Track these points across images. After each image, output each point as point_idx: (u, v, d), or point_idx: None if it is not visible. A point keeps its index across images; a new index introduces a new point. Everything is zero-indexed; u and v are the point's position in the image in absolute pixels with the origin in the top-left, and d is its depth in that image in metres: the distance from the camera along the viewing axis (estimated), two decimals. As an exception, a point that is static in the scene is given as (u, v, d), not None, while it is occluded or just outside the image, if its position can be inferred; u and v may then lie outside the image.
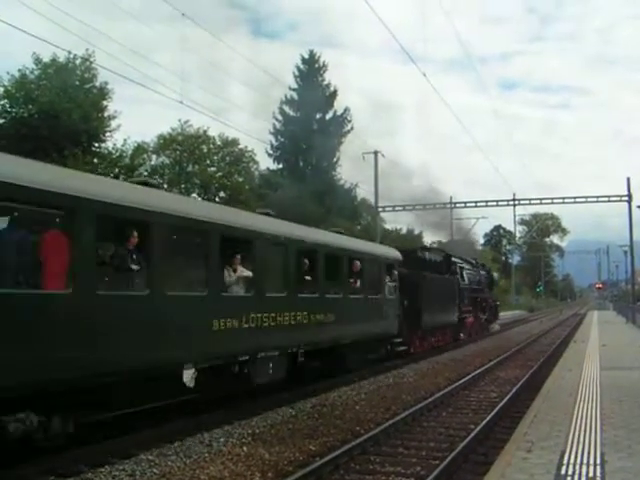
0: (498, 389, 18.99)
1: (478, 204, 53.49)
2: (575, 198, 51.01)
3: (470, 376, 20.82)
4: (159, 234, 11.44)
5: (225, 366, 13.48)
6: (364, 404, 16.08)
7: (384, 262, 23.24)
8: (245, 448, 11.31)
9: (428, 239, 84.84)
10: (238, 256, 14.24)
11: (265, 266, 14.96)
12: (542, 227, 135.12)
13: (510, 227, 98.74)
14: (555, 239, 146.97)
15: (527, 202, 55.29)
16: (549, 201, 52.95)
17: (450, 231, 67.51)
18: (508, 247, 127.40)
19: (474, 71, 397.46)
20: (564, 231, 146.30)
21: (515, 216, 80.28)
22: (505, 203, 54.04)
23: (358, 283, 20.42)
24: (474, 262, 42.85)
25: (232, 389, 14.41)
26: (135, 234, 11.14)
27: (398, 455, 11.35)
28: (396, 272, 24.09)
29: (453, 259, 35.03)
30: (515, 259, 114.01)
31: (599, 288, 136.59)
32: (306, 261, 17.49)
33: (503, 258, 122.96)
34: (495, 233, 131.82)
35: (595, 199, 50.23)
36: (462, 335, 35.38)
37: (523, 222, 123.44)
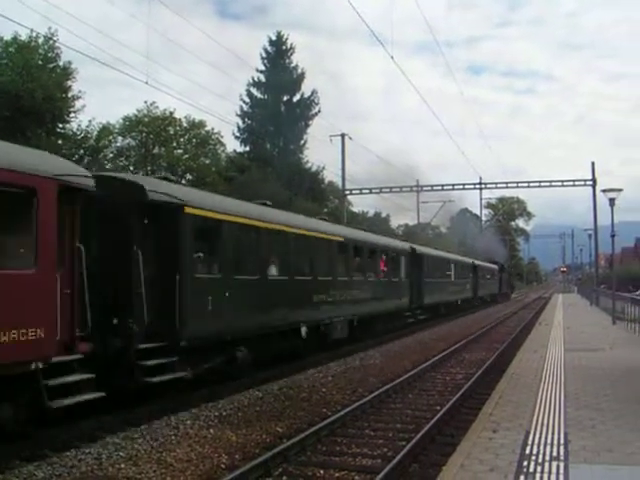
0: (464, 371, 19.19)
1: (445, 187, 53.87)
2: (540, 182, 51.54)
3: (436, 358, 20.99)
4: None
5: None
6: (331, 386, 16.16)
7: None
8: (212, 430, 11.32)
9: (395, 222, 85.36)
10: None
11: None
12: (508, 211, 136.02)
13: (476, 211, 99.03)
14: (521, 223, 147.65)
15: (493, 186, 55.86)
16: (515, 185, 53.48)
17: (417, 214, 67.65)
18: (474, 231, 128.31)
19: (442, 55, 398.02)
20: (529, 215, 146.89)
21: (481, 200, 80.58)
22: (472, 187, 54.56)
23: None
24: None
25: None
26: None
27: (365, 437, 11.42)
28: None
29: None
30: (480, 242, 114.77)
31: (563, 272, 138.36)
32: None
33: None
34: (461, 217, 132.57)
35: (560, 183, 50.79)
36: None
37: (489, 206, 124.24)
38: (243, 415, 12.61)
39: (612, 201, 29.32)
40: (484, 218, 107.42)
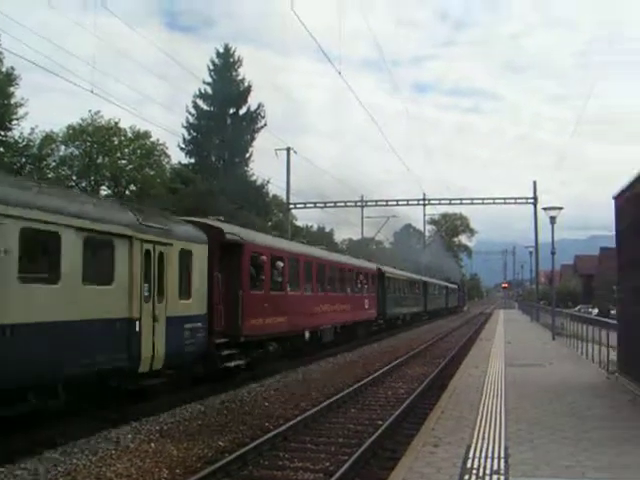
0: (406, 386, 19.32)
1: (389, 203, 54.32)
2: (484, 199, 52.41)
3: (378, 373, 21.07)
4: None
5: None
6: (273, 400, 16.13)
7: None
8: (153, 444, 11.17)
9: (339, 236, 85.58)
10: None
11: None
12: (451, 227, 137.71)
13: (420, 226, 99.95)
14: (463, 239, 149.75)
15: (437, 202, 56.47)
16: (458, 202, 54.22)
17: (361, 229, 67.76)
18: (417, 246, 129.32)
19: (388, 73, 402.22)
20: (472, 231, 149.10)
21: (425, 216, 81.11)
22: (415, 202, 55.07)
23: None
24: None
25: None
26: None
27: (307, 451, 11.40)
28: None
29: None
30: (424, 258, 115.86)
31: (505, 287, 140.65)
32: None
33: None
34: (405, 232, 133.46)
35: (503, 201, 51.66)
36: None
37: (433, 222, 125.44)
38: (185, 429, 12.49)
39: (553, 219, 29.98)
40: (427, 234, 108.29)
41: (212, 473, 9.25)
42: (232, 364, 17.76)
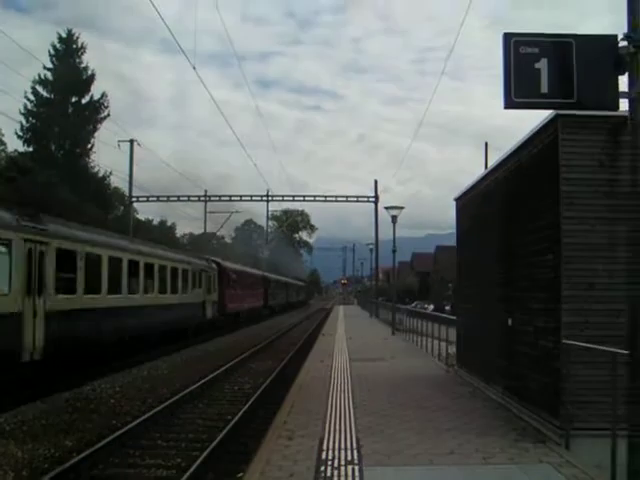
0: (252, 380, 19.50)
1: (233, 198, 54.45)
2: (326, 197, 53.64)
3: (223, 368, 21.13)
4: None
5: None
6: (119, 397, 15.88)
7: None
8: (-5, 446, 10.71)
9: (180, 230, 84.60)
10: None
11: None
12: (292, 223, 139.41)
13: (261, 221, 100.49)
14: (304, 235, 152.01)
15: (280, 198, 57.04)
16: (301, 198, 55.11)
17: (204, 224, 67.27)
18: (258, 242, 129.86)
19: (233, 67, 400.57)
20: (313, 228, 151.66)
21: (268, 212, 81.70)
22: (259, 198, 55.39)
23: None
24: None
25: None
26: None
27: (157, 447, 11.38)
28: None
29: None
30: (265, 253, 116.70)
31: (344, 284, 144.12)
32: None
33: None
34: (246, 228, 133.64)
35: (345, 199, 53.11)
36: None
37: (274, 217, 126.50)
38: (28, 429, 12.05)
39: (394, 218, 31.18)
40: (269, 230, 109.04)
41: (62, 473, 9.04)
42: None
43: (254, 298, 53.81)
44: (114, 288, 20.75)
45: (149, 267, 24.84)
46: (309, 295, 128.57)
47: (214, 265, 38.00)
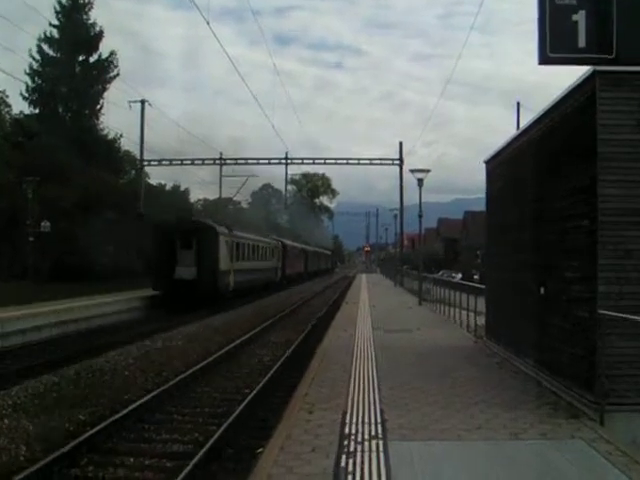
0: (271, 353, 19.58)
1: (249, 162, 54.27)
2: (348, 159, 53.30)
3: (241, 340, 21.25)
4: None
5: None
6: (133, 369, 16.04)
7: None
8: (6, 420, 10.83)
9: (194, 196, 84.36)
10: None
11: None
12: (312, 187, 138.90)
13: (279, 186, 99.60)
14: (325, 200, 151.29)
15: (300, 161, 56.91)
16: (322, 161, 54.82)
17: (219, 189, 66.85)
18: (277, 207, 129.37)
19: (249, 23, 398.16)
20: (334, 192, 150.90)
21: (287, 175, 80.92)
22: (277, 161, 55.01)
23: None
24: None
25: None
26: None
27: (173, 422, 11.50)
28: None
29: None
30: (284, 219, 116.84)
31: (367, 251, 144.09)
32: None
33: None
34: (264, 192, 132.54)
35: (368, 162, 52.80)
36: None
37: (293, 181, 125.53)
38: (40, 402, 12.20)
39: (420, 182, 30.97)
40: (287, 194, 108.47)
41: (75, 448, 9.15)
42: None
43: (299, 265, 75.08)
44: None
45: (258, 247, 48.42)
46: (334, 264, 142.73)
47: (280, 244, 60.34)
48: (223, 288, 36.46)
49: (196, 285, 33.07)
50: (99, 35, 53.63)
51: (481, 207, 19.40)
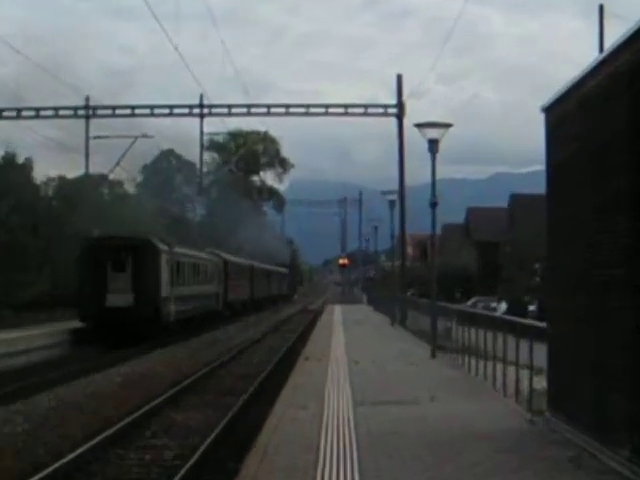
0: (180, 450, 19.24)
1: (136, 110, 54.30)
2: (308, 107, 53.29)
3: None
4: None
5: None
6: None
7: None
8: None
9: (41, 171, 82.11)
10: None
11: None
12: (248, 155, 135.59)
13: (192, 155, 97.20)
14: (269, 178, 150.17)
15: (225, 110, 56.78)
16: (264, 109, 55.33)
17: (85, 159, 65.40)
18: (185, 190, 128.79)
19: None
20: (285, 165, 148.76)
21: (202, 134, 76.84)
22: (186, 110, 54.90)
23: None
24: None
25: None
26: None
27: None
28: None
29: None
30: (197, 212, 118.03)
31: (344, 265, 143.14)
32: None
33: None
34: (163, 165, 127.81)
35: (343, 110, 52.31)
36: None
37: (214, 145, 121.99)
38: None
39: (434, 145, 29.80)
40: (205, 168, 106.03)
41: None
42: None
43: (244, 290, 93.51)
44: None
45: (198, 267, 64.04)
46: (293, 287, 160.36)
47: (221, 260, 77.13)
48: (165, 318, 44.28)
49: (133, 314, 40.95)
50: None
51: (538, 188, 19.18)
